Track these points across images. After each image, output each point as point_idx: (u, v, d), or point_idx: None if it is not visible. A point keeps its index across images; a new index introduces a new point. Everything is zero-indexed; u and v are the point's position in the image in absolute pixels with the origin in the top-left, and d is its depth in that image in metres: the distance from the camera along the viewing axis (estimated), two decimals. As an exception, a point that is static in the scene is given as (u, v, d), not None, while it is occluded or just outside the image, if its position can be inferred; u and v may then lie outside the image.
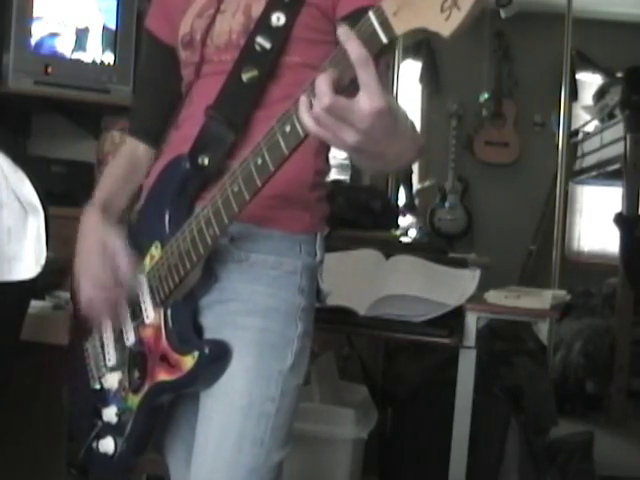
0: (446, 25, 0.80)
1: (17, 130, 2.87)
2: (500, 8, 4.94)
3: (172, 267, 1.17)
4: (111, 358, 1.28)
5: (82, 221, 1.28)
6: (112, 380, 1.28)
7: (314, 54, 1.22)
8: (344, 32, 0.87)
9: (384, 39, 0.86)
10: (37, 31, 2.63)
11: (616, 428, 4.08)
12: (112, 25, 2.74)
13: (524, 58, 5.79)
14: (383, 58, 0.91)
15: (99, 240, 1.23)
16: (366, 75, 0.86)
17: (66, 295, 1.84)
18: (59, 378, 1.44)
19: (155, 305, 1.21)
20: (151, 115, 1.42)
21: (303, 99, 0.91)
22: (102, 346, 1.30)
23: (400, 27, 0.85)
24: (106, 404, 1.28)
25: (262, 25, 1.19)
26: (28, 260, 1.36)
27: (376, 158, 0.95)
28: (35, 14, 2.62)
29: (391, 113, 0.89)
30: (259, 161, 1.01)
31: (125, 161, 1.40)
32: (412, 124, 1.01)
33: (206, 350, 1.15)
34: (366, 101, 0.87)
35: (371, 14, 0.86)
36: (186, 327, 1.20)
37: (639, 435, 4.03)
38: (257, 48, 1.19)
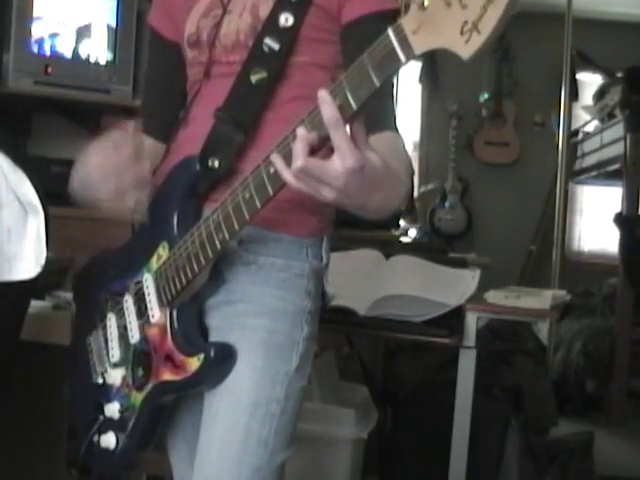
0: (466, 48, 0.80)
1: (17, 130, 2.88)
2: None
3: (180, 268, 1.17)
4: (115, 354, 1.28)
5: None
6: (115, 376, 1.28)
7: (322, 54, 1.23)
8: (320, 94, 0.90)
9: (402, 57, 0.86)
10: (37, 31, 2.63)
11: (616, 428, 4.08)
12: (112, 25, 2.74)
13: (524, 58, 5.79)
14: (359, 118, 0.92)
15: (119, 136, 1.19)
16: (337, 137, 0.90)
17: (66, 295, 1.85)
18: (59, 378, 1.44)
19: (161, 305, 1.21)
20: (159, 112, 1.41)
21: (277, 157, 0.96)
22: (105, 341, 1.30)
23: (419, 47, 0.84)
24: (109, 399, 1.28)
25: (270, 26, 1.19)
26: (28, 260, 1.36)
27: (359, 209, 1.00)
28: (35, 14, 2.62)
29: (368, 169, 0.93)
30: (272, 170, 1.00)
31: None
32: (396, 172, 1.02)
33: (212, 353, 1.15)
34: (339, 162, 0.90)
35: (390, 32, 0.86)
36: (192, 328, 1.20)
37: (639, 435, 4.03)
38: (265, 49, 1.19)
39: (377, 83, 0.88)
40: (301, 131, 0.93)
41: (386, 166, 0.98)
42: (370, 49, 0.88)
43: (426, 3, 0.83)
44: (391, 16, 0.87)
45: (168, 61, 1.38)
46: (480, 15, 0.78)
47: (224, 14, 1.24)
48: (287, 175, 0.95)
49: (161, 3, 1.38)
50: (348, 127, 0.92)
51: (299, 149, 0.92)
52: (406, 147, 1.21)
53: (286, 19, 1.18)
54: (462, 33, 0.79)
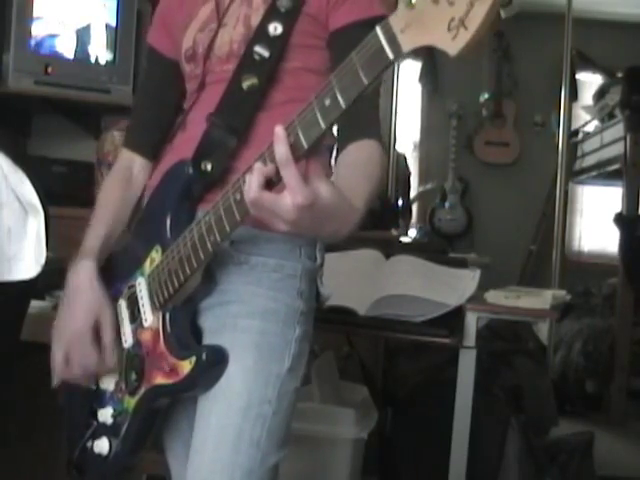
0: (453, 44, 0.80)
1: (17, 130, 2.87)
2: (500, 8, 4.94)
3: (172, 272, 1.17)
4: None
5: (73, 274, 1.27)
6: (108, 381, 1.28)
7: (313, 59, 1.25)
8: (276, 130, 0.93)
9: (391, 55, 0.86)
10: (37, 31, 2.63)
11: (616, 428, 4.08)
12: (112, 25, 2.74)
13: (524, 58, 5.79)
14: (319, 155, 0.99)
15: (92, 315, 1.24)
16: (287, 174, 0.93)
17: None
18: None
19: (154, 308, 1.21)
20: (151, 129, 1.42)
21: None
22: None
23: (407, 44, 0.85)
24: (102, 405, 1.28)
25: (260, 35, 1.21)
26: (28, 260, 1.36)
27: (313, 236, 1.08)
28: (35, 14, 2.62)
29: (318, 205, 0.94)
30: None
31: (120, 183, 1.39)
32: (350, 202, 1.02)
33: (203, 356, 1.16)
34: (289, 198, 0.93)
35: (378, 30, 0.86)
36: (185, 332, 1.20)
37: (639, 435, 4.04)
38: (256, 57, 1.21)
39: (365, 81, 0.88)
40: (257, 165, 0.96)
41: (339, 198, 0.98)
42: (358, 48, 0.88)
43: (414, 1, 0.83)
44: (378, 23, 0.87)
45: (165, 78, 1.40)
46: (467, 11, 0.78)
47: (219, 27, 1.26)
48: (247, 202, 0.98)
49: (161, 22, 1.40)
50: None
51: (253, 182, 0.96)
52: (383, 156, 1.20)
53: (275, 28, 1.21)
54: (449, 30, 0.80)
